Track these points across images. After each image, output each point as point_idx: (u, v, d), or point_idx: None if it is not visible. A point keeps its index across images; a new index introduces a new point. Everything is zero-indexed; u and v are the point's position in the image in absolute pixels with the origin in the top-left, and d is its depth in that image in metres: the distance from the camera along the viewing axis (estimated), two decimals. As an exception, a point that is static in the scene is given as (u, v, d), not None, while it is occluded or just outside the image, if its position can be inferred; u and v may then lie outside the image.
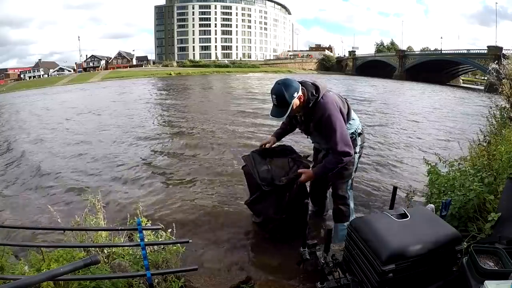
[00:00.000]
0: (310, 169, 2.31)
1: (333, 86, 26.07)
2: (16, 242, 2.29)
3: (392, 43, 76.29)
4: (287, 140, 3.37)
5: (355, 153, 2.26)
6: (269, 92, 2.06)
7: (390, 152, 5.73)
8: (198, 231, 2.88)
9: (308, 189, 2.60)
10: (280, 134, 2.57)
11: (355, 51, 66.82)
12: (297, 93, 1.95)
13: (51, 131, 8.87)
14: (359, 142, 2.28)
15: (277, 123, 2.61)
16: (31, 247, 1.82)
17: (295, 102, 1.96)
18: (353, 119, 2.23)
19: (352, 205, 2.36)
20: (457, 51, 43.37)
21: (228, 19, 75.92)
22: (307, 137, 2.41)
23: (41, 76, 64.83)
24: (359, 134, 2.28)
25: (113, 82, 39.82)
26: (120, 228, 1.95)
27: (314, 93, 2.00)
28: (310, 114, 2.07)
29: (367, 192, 3.68)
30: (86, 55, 75.76)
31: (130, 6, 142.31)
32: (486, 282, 1.15)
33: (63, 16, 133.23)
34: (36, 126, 9.88)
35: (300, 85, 2.01)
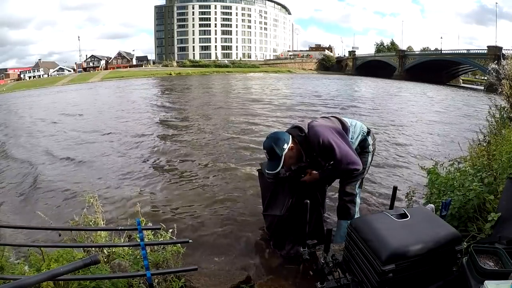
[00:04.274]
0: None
1: (333, 86, 26.06)
2: (16, 242, 2.29)
3: (392, 43, 76.22)
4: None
5: (368, 152, 2.28)
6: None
7: (389, 153, 5.73)
8: (198, 231, 2.89)
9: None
10: None
11: (355, 51, 66.82)
12: (287, 144, 1.99)
13: (52, 129, 8.87)
14: (370, 141, 2.29)
15: None
16: (31, 247, 1.82)
17: (287, 154, 1.99)
18: (352, 125, 2.23)
19: (358, 203, 2.35)
20: (457, 51, 43.40)
21: (228, 19, 75.90)
22: None
23: (41, 76, 64.82)
24: (368, 132, 2.28)
25: (113, 82, 39.81)
26: (120, 228, 1.96)
27: (300, 133, 2.06)
28: (310, 151, 2.08)
29: (367, 192, 3.68)
30: (86, 55, 75.90)
31: (128, 6, 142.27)
32: (486, 282, 1.15)
33: (61, 17, 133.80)
34: (36, 125, 9.89)
35: (289, 135, 2.05)
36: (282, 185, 2.34)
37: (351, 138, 2.19)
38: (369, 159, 2.31)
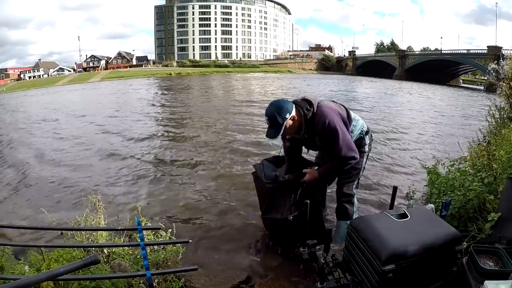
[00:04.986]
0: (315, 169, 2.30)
1: (333, 86, 26.07)
2: (16, 242, 2.29)
3: (392, 43, 76.08)
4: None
5: (364, 152, 2.27)
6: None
7: (389, 152, 5.72)
8: (198, 231, 2.88)
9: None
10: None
11: (355, 51, 66.79)
12: (289, 114, 1.97)
13: (52, 130, 8.86)
14: (367, 141, 2.29)
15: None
16: (31, 247, 1.82)
17: (288, 122, 1.99)
18: (355, 119, 2.24)
19: (356, 203, 2.36)
20: (457, 51, 43.39)
21: (228, 19, 75.87)
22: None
23: (41, 76, 64.76)
24: (366, 132, 2.28)
25: (113, 82, 39.79)
26: (120, 228, 1.96)
27: (308, 107, 2.04)
28: (311, 128, 2.07)
29: (367, 192, 3.68)
30: (86, 55, 75.81)
31: (128, 6, 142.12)
32: (486, 282, 1.15)
33: (61, 17, 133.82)
34: (37, 126, 9.89)
35: (293, 105, 2.03)
36: (282, 187, 2.33)
37: (350, 132, 2.19)
38: (364, 160, 2.30)
